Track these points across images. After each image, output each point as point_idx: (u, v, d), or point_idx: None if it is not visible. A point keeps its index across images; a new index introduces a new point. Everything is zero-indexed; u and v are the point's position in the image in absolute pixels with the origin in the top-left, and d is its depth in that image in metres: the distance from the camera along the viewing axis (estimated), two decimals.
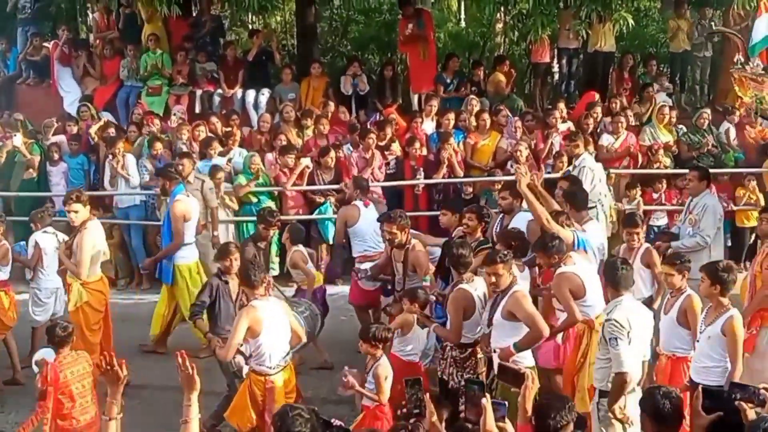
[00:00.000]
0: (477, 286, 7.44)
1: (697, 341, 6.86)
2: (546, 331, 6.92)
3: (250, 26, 18.92)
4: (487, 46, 19.14)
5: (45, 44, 15.50)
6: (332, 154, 12.34)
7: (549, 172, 12.29)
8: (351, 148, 12.65)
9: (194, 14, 15.65)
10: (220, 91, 14.54)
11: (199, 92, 14.53)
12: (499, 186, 10.06)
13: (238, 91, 14.51)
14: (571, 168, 11.08)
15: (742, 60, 8.55)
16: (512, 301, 6.93)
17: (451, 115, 13.13)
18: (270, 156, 12.52)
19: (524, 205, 8.86)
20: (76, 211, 8.75)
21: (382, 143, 12.63)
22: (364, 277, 9.45)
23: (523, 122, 12.98)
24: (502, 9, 17.13)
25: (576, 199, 8.90)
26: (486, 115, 12.99)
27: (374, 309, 9.83)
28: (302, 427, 4.55)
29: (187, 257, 9.98)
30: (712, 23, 13.26)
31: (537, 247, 7.83)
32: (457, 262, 7.49)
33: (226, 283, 8.30)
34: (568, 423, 4.90)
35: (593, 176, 10.63)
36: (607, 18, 13.60)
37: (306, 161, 12.25)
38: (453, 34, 19.72)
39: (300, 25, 16.62)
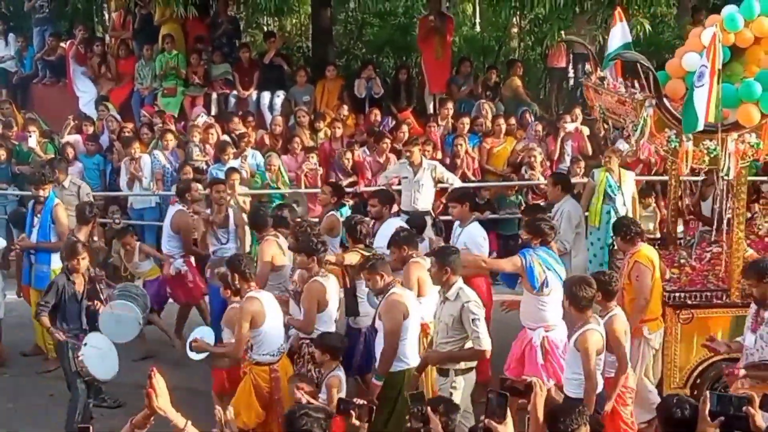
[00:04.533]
0: (331, 279, 7.79)
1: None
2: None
3: (266, 28, 18.93)
4: (502, 51, 19.11)
5: (61, 44, 15.54)
6: (348, 156, 12.34)
7: None
8: (367, 151, 12.63)
9: (210, 15, 15.68)
10: (235, 92, 14.56)
11: (214, 95, 14.56)
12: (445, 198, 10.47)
13: (253, 93, 14.53)
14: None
15: (590, 70, 8.51)
16: None
17: (466, 119, 13.10)
18: (286, 158, 12.54)
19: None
20: None
21: (398, 145, 12.64)
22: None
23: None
24: (518, 13, 17.09)
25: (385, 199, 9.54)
26: (501, 120, 12.96)
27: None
28: (309, 425, 4.61)
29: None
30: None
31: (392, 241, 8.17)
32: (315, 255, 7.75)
33: (73, 283, 8.32)
34: (579, 426, 4.94)
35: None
36: None
37: (311, 164, 12.27)
38: (468, 38, 19.68)
39: (315, 28, 16.63)
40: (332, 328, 7.74)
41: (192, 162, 12.40)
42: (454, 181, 11.14)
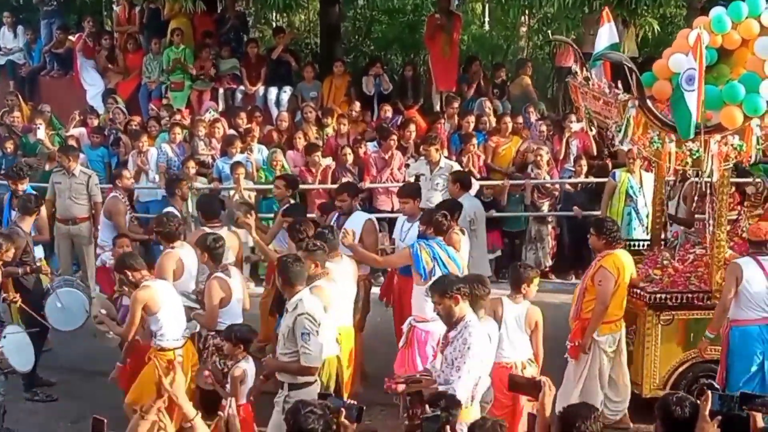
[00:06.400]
0: (233, 274, 7.83)
1: None
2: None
3: (274, 24, 18.93)
4: (510, 50, 19.08)
5: (69, 37, 15.56)
6: (348, 151, 12.32)
7: (570, 177, 12.28)
8: (377, 146, 12.59)
9: (218, 11, 15.68)
10: (242, 88, 14.57)
11: (221, 90, 14.57)
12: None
13: (260, 89, 14.54)
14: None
15: (576, 70, 8.44)
16: None
17: (472, 118, 13.08)
18: (291, 153, 12.54)
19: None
20: None
21: (407, 143, 12.61)
22: None
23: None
24: (527, 12, 17.06)
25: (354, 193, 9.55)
26: (508, 119, 12.93)
27: None
28: (315, 423, 4.53)
29: None
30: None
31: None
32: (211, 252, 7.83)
33: None
34: None
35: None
36: (631, 23, 13.50)
37: (326, 161, 12.23)
38: (477, 37, 19.68)
39: (324, 24, 16.62)
40: (239, 322, 7.72)
41: (197, 156, 12.43)
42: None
